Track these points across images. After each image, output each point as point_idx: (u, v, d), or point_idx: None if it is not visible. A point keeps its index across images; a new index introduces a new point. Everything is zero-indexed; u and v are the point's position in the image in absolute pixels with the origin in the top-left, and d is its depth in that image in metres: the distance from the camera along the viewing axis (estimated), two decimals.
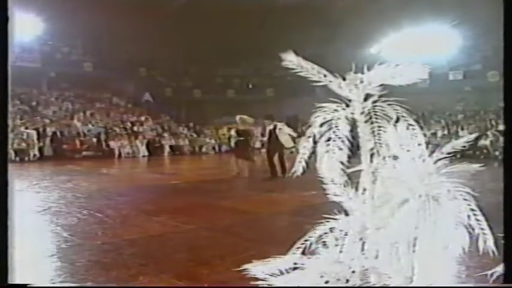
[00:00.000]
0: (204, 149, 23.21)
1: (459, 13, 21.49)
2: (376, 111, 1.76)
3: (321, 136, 1.76)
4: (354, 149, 1.73)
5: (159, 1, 22.49)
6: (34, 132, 17.37)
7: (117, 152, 19.45)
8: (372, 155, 1.70)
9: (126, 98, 27.00)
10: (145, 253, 4.02)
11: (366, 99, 1.78)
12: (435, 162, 1.64)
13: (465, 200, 1.61)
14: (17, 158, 16.11)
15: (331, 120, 1.75)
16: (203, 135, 24.49)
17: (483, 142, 18.58)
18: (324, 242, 1.72)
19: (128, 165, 16.27)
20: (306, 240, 1.80)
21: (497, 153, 17.27)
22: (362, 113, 1.73)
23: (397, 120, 1.75)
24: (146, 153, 20.28)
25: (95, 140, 19.72)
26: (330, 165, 1.76)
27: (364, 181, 1.70)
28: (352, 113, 1.76)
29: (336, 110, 1.79)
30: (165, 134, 22.53)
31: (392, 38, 25.75)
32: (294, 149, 10.41)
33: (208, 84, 29.63)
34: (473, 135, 1.82)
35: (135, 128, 22.48)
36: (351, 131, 1.72)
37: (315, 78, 1.90)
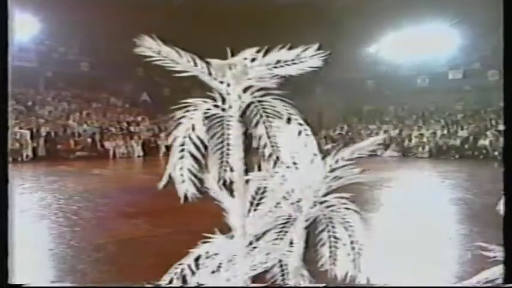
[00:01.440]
0: None
1: (458, 12, 21.24)
2: (265, 108, 1.56)
3: (175, 140, 1.60)
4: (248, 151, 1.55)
5: (157, 1, 22.34)
6: (28, 133, 17.15)
7: (111, 153, 19.20)
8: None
9: (124, 98, 26.77)
10: (111, 259, 3.81)
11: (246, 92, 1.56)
12: (331, 171, 1.44)
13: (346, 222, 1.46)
14: (10, 159, 15.82)
15: (190, 119, 1.56)
16: None
17: (482, 142, 18.30)
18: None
19: (122, 166, 16.12)
20: (180, 264, 1.65)
21: (496, 153, 17.00)
22: (240, 109, 1.52)
23: (289, 121, 1.56)
24: (141, 154, 20.04)
25: (89, 140, 19.51)
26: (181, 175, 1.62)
27: (237, 194, 1.55)
28: (224, 109, 1.55)
29: (197, 108, 1.58)
30: (161, 134, 22.28)
31: (392, 37, 25.52)
32: None
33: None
34: (375, 138, 1.64)
35: (131, 128, 22.27)
36: (245, 131, 1.54)
37: (183, 67, 1.69)
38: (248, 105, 1.56)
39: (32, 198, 7.23)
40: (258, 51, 1.54)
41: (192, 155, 1.51)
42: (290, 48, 1.57)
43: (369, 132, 23.40)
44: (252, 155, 1.61)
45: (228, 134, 1.52)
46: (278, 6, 23.29)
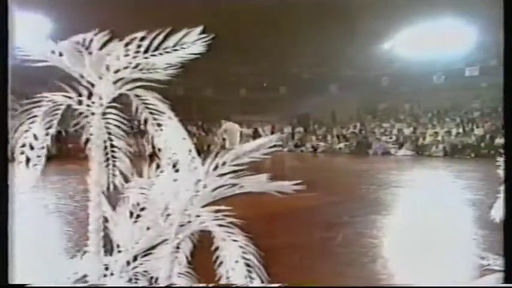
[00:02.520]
0: (212, 148, 22.71)
1: (475, 7, 20.63)
2: (146, 104, 1.37)
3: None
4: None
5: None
6: None
7: None
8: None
9: None
10: None
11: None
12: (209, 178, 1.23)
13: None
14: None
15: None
16: (212, 134, 24.01)
17: (499, 141, 17.69)
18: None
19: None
20: None
21: None
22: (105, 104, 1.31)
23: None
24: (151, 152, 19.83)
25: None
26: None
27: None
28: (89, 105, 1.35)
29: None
30: None
31: (407, 33, 24.94)
32: None
33: (220, 83, 29.22)
34: (265, 140, 1.45)
35: (142, 127, 22.06)
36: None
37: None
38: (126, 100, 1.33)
39: (31, 197, 7.06)
40: (137, 39, 1.26)
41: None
42: (170, 34, 1.30)
43: (382, 130, 22.89)
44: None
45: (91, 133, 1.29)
46: (291, 4, 22.92)
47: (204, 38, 1.37)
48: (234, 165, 1.25)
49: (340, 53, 24.78)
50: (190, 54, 1.38)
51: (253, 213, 5.89)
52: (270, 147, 1.33)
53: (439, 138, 18.95)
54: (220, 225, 1.24)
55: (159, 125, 1.36)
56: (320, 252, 4.29)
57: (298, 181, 1.37)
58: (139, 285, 3.61)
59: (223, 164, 1.23)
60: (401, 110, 25.92)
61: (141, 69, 1.34)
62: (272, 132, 25.32)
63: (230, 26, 22.91)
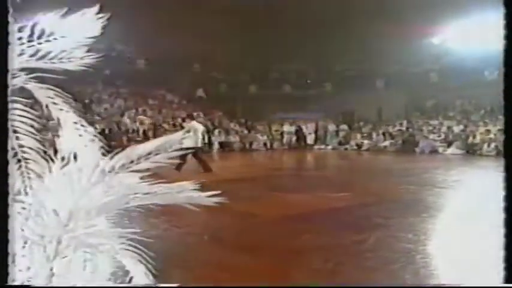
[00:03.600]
0: (254, 146, 22.60)
1: None
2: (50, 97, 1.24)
3: None
4: None
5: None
6: None
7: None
8: None
9: (180, 95, 26.98)
10: None
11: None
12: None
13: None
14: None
15: None
16: (255, 132, 23.90)
17: None
18: None
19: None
20: None
21: None
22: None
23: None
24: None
25: (143, 136, 19.70)
26: None
27: None
28: None
29: None
30: (216, 131, 22.17)
31: (458, 27, 23.91)
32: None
33: (264, 79, 29.10)
34: (167, 138, 1.23)
35: (185, 124, 22.23)
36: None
37: None
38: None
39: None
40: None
41: None
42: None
43: (430, 128, 22.05)
44: None
45: None
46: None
47: (101, 18, 1.20)
48: (135, 170, 1.05)
49: (386, 48, 24.09)
50: (88, 38, 1.20)
51: (278, 213, 5.75)
52: (185, 148, 1.11)
53: (492, 136, 18.01)
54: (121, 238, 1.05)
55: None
56: (347, 256, 4.04)
57: (217, 192, 1.16)
58: (140, 285, 3.51)
59: (112, 169, 1.03)
60: (451, 107, 24.90)
61: (41, 58, 1.16)
62: (316, 131, 24.94)
63: (272, 23, 22.76)
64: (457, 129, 20.82)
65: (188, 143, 10.37)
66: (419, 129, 22.33)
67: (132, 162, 1.03)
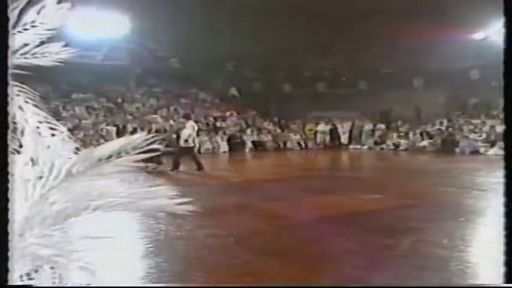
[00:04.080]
0: (288, 145, 22.47)
1: None
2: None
3: None
4: None
5: None
6: (113, 129, 17.81)
7: (196, 148, 19.32)
8: None
9: (213, 93, 27.10)
10: None
11: None
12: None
13: None
14: None
15: None
16: (288, 131, 23.76)
17: None
18: None
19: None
20: None
21: None
22: None
23: None
24: (226, 149, 20.03)
25: (174, 135, 19.83)
26: None
27: None
28: None
29: None
30: (248, 130, 22.17)
31: (501, 21, 23.07)
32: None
33: (297, 78, 28.90)
34: (129, 139, 1.05)
35: (217, 124, 22.38)
36: None
37: None
38: None
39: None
40: None
41: None
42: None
43: (471, 127, 21.39)
44: None
45: None
46: None
47: (63, 9, 1.09)
48: (97, 174, 0.96)
49: (424, 45, 23.51)
50: (48, 30, 1.11)
51: (308, 215, 5.63)
52: (150, 150, 1.02)
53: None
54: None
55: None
56: (376, 261, 3.91)
57: (188, 199, 1.04)
58: (143, 286, 3.50)
59: (68, 173, 0.95)
60: (494, 105, 24.09)
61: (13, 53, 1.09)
62: (351, 130, 24.60)
63: (307, 20, 22.57)
64: (500, 128, 20.13)
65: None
66: (459, 128, 21.71)
67: (92, 165, 0.94)
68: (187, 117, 11.93)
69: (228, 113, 24.10)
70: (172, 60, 25.46)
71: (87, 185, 0.97)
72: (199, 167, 11.07)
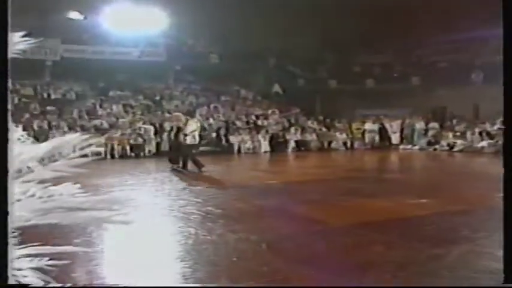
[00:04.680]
0: (333, 145, 22.18)
1: None
2: None
3: None
4: None
5: None
6: (151, 128, 18.05)
7: (236, 148, 19.47)
8: None
9: (255, 91, 27.12)
10: None
11: None
12: None
13: None
14: (132, 154, 16.96)
15: None
16: (334, 130, 23.44)
17: None
18: None
19: (238, 162, 16.33)
20: None
21: None
22: None
23: None
24: (268, 149, 20.00)
25: (214, 134, 19.98)
26: None
27: None
28: None
29: None
30: (291, 128, 22.04)
31: None
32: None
33: (345, 74, 28.52)
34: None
35: (259, 122, 22.36)
36: None
37: None
38: None
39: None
40: None
41: None
42: None
43: None
44: None
45: None
46: None
47: None
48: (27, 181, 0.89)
49: (483, 37, 22.66)
50: None
51: (348, 220, 5.46)
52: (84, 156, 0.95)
53: None
54: None
55: None
56: (419, 273, 3.73)
57: (126, 212, 0.97)
58: (142, 286, 3.48)
59: None
60: None
61: None
62: (401, 129, 24.01)
63: (355, 12, 22.20)
64: None
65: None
66: None
67: (20, 170, 0.87)
68: (190, 114, 12.26)
69: (270, 111, 24.02)
70: (211, 56, 25.65)
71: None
72: (199, 166, 11.13)
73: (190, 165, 11.36)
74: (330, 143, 22.32)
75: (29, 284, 1.70)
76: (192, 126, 11.58)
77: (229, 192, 7.88)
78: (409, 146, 21.94)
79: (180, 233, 5.06)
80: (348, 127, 24.03)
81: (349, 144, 22.63)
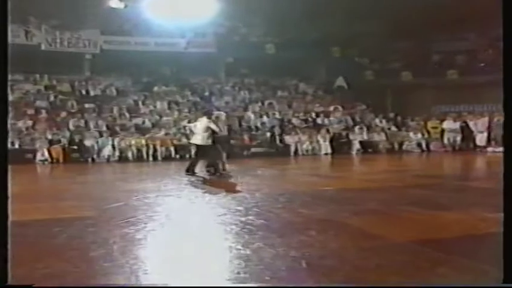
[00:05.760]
0: (405, 147, 21.59)
1: None
2: None
3: None
4: None
5: None
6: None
7: (293, 149, 19.39)
8: None
9: (316, 84, 26.85)
10: None
11: None
12: None
13: None
14: (177, 155, 17.17)
15: None
16: (406, 129, 22.81)
17: None
18: None
19: (293, 165, 16.25)
20: None
21: None
22: None
23: None
24: (329, 151, 19.77)
25: (268, 134, 19.93)
26: None
27: None
28: None
29: None
30: (356, 127, 21.67)
31: None
32: None
33: (421, 64, 27.73)
34: None
35: (319, 120, 22.13)
36: None
37: None
38: None
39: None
40: None
41: None
42: None
43: None
44: None
45: None
46: None
47: None
48: None
49: None
50: None
51: (410, 235, 5.21)
52: None
53: None
54: None
55: None
56: None
57: None
58: (142, 285, 3.43)
59: None
60: None
61: None
62: (489, 128, 23.01)
63: None
64: None
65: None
66: None
67: None
68: (207, 114, 12.20)
69: (332, 108, 23.71)
70: (267, 46, 25.56)
71: None
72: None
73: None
74: (401, 144, 21.75)
75: (29, 284, 1.80)
76: (202, 124, 11.65)
77: (276, 200, 7.74)
78: (499, 149, 21.05)
79: (210, 246, 4.98)
80: (423, 126, 23.33)
81: (424, 146, 21.95)
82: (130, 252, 4.63)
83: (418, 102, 25.81)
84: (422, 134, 22.45)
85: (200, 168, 11.81)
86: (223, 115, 12.56)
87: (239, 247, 4.82)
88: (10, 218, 2.93)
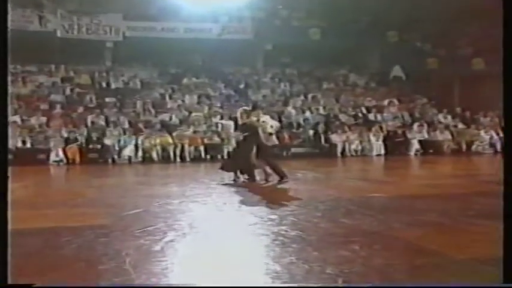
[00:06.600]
0: (475, 147, 21.19)
1: None
2: None
3: None
4: None
5: None
6: (231, 124, 18.18)
7: (340, 149, 19.33)
8: None
9: (368, 75, 26.61)
10: None
11: None
12: None
13: None
14: (208, 156, 17.24)
15: None
16: (476, 126, 22.36)
17: None
18: None
19: (339, 168, 16.44)
20: None
21: None
22: None
23: None
24: (382, 151, 19.63)
25: (311, 132, 19.85)
26: None
27: None
28: None
29: None
30: (414, 125, 21.40)
31: None
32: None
33: (496, 50, 27.07)
34: None
35: (371, 116, 21.95)
36: None
37: None
38: None
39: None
40: None
41: None
42: None
43: None
44: None
45: None
46: None
47: None
48: None
49: None
50: None
51: (472, 253, 5.08)
52: None
53: None
54: None
55: None
56: None
57: None
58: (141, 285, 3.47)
59: None
60: None
61: None
62: None
63: None
64: None
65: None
66: None
67: None
68: (254, 108, 12.14)
69: (386, 101, 23.47)
70: (311, 31, 25.43)
71: None
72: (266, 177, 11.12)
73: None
74: (470, 144, 21.36)
75: (29, 284, 1.82)
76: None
77: (315, 208, 7.68)
78: None
79: (234, 260, 4.95)
80: (497, 123, 22.82)
81: (498, 147, 21.46)
82: (143, 266, 4.63)
83: (490, 95, 25.24)
84: (497, 133, 21.94)
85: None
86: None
87: (267, 261, 4.79)
88: (12, 226, 2.96)
